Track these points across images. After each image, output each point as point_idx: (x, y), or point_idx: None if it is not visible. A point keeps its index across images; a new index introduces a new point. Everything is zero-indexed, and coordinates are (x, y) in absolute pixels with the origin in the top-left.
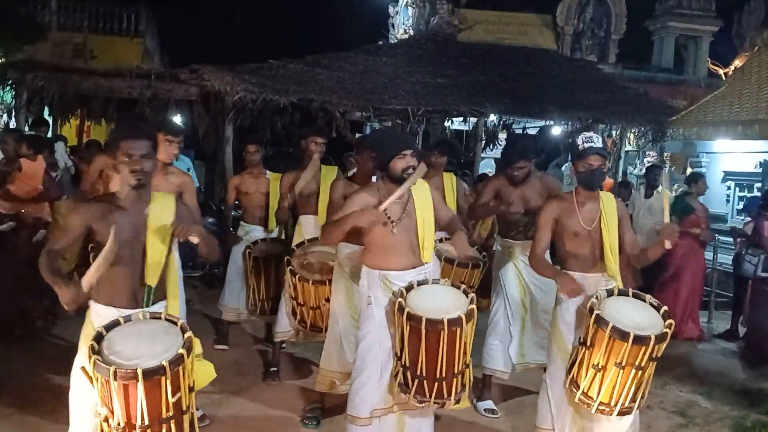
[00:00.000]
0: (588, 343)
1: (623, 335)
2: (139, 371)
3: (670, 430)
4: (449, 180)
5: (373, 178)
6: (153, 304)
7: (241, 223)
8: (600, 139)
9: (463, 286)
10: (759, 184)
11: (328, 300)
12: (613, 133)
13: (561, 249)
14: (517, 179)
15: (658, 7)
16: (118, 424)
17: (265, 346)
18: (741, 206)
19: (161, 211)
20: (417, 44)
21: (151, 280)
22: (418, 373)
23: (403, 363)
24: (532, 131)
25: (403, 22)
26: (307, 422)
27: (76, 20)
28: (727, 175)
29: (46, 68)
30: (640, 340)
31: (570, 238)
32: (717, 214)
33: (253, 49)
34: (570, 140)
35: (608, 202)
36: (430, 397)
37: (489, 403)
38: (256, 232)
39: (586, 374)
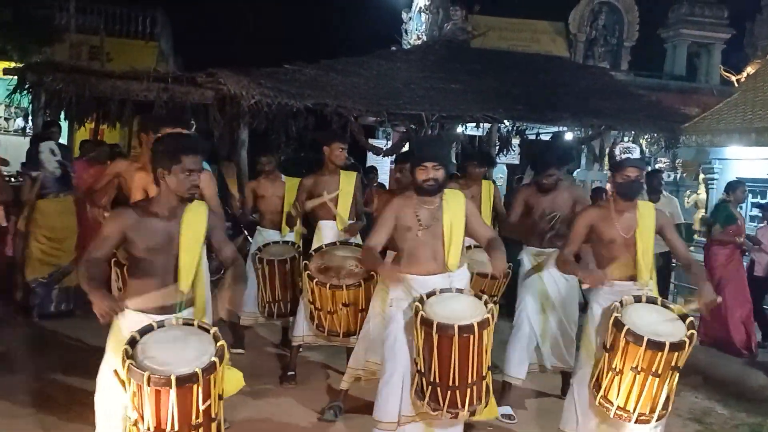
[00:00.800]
0: (608, 347)
1: (637, 339)
2: (173, 378)
3: None
4: (487, 188)
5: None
6: (185, 307)
7: (258, 228)
8: (638, 149)
9: (485, 297)
10: None
11: (345, 305)
12: (626, 139)
13: (597, 257)
14: (546, 186)
15: (670, 14)
16: (148, 429)
17: (280, 350)
18: (753, 213)
19: (194, 219)
20: (431, 50)
21: (184, 286)
22: (432, 379)
23: (418, 368)
24: (545, 137)
25: (416, 28)
26: (325, 414)
27: (93, 23)
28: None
29: (64, 70)
30: (655, 346)
31: (606, 245)
32: None
33: (266, 53)
34: (607, 149)
35: (646, 211)
36: (443, 405)
37: (507, 409)
38: (273, 236)
39: (606, 377)
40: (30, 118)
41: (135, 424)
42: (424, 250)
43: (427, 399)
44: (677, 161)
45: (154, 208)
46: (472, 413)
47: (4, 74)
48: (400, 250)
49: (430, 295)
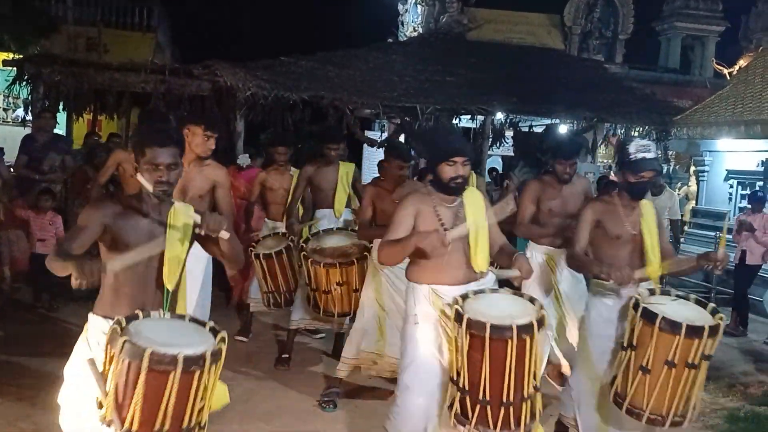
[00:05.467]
0: (633, 344)
1: (674, 326)
2: (180, 357)
3: None
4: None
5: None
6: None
7: (265, 219)
8: (653, 146)
9: (528, 294)
10: (761, 183)
11: (339, 284)
12: (619, 132)
13: (597, 254)
14: (567, 177)
15: (665, 7)
16: (129, 429)
17: (279, 337)
18: (743, 204)
19: (180, 219)
20: (426, 42)
21: (170, 282)
22: (481, 397)
23: (461, 387)
24: (538, 129)
25: (412, 20)
26: (325, 405)
27: (90, 14)
28: (730, 174)
29: (62, 62)
30: (694, 332)
31: (610, 241)
32: (719, 212)
33: (264, 46)
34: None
35: (647, 206)
36: (495, 427)
37: None
38: (280, 228)
39: (633, 380)
40: (29, 108)
41: (109, 425)
42: (450, 256)
43: (473, 422)
44: (669, 153)
45: (138, 203)
46: None
47: (3, 65)
48: (423, 254)
49: (464, 297)
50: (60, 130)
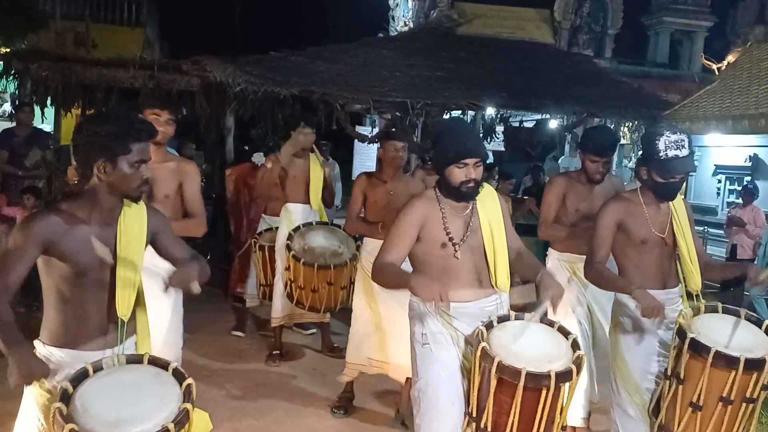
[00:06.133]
0: (680, 376)
1: (731, 362)
2: None
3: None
4: None
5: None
6: (126, 337)
7: (263, 216)
8: (688, 141)
9: (558, 323)
10: (748, 178)
11: (329, 283)
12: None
13: (620, 261)
14: (599, 177)
15: (653, 2)
16: None
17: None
18: (731, 199)
19: (134, 223)
20: (417, 37)
21: (124, 310)
22: None
23: (482, 427)
24: (528, 125)
25: (403, 15)
26: (336, 411)
27: (78, 9)
28: (718, 169)
29: (50, 58)
30: (753, 365)
31: (635, 246)
32: (708, 206)
33: (253, 40)
34: (639, 136)
35: (678, 204)
36: None
37: None
38: (275, 223)
39: (682, 416)
40: (17, 103)
41: None
42: (462, 269)
43: None
44: None
45: (84, 211)
46: None
47: None
48: (428, 268)
49: (488, 326)
50: (48, 125)
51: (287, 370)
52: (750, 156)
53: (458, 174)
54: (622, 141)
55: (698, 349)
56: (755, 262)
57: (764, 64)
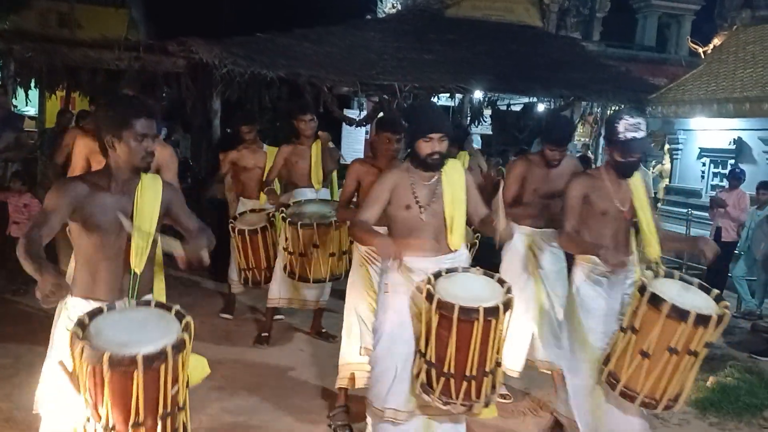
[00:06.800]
0: (635, 327)
1: (682, 315)
2: (139, 357)
3: None
4: (462, 160)
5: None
6: (139, 296)
7: (241, 198)
8: (644, 124)
9: (498, 275)
10: (733, 161)
11: (315, 246)
12: (596, 110)
13: (582, 231)
14: (556, 163)
15: None
16: (107, 424)
17: (258, 316)
18: (715, 182)
19: (149, 194)
20: (405, 19)
21: (137, 263)
22: (445, 370)
23: (427, 359)
24: (516, 108)
25: None
26: (339, 430)
27: None
28: (703, 152)
29: (34, 39)
30: (701, 321)
31: (596, 217)
32: (692, 189)
33: (240, 22)
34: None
35: (636, 182)
36: (457, 397)
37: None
38: (256, 206)
39: (631, 363)
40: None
41: (88, 420)
42: (424, 230)
43: (437, 393)
44: None
45: (105, 181)
46: (487, 404)
47: None
48: (396, 227)
49: (437, 276)
50: (33, 107)
51: (275, 352)
52: (734, 139)
53: (425, 147)
54: None
55: (656, 302)
56: (738, 244)
57: (750, 47)
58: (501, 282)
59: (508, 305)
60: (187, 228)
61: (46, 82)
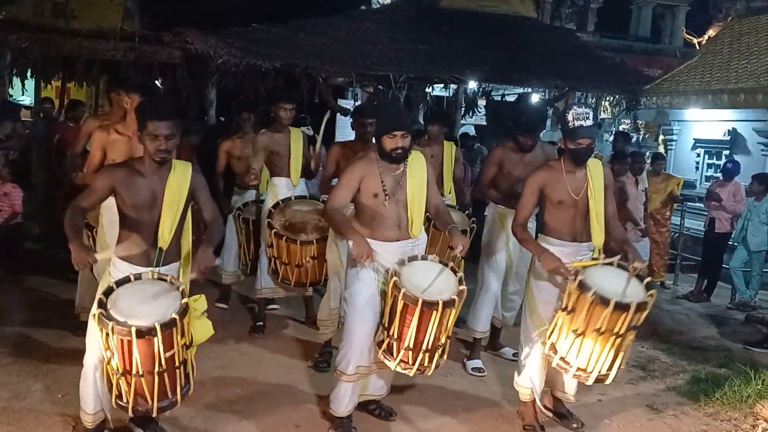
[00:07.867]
0: (569, 309)
1: (604, 301)
2: (132, 330)
3: (630, 381)
4: (449, 149)
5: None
6: (164, 265)
7: (235, 188)
8: (591, 114)
9: (451, 264)
10: (727, 152)
11: (313, 257)
12: (590, 101)
13: (544, 217)
14: (529, 147)
15: None
16: (117, 369)
17: (253, 305)
18: (709, 173)
19: (178, 180)
20: (399, 10)
21: (162, 242)
22: (405, 345)
23: (390, 334)
24: (511, 98)
25: None
26: (321, 365)
27: None
28: (697, 143)
29: (30, 29)
30: (621, 307)
31: (554, 205)
32: (686, 180)
33: (235, 13)
34: (561, 111)
35: (596, 170)
36: (413, 364)
37: (478, 362)
38: (250, 196)
39: (566, 339)
40: None
41: (108, 362)
42: (388, 216)
43: (398, 360)
44: (639, 122)
45: (141, 167)
46: (437, 366)
47: None
48: (363, 213)
49: (400, 264)
50: (29, 97)
51: (270, 341)
52: (729, 130)
53: (389, 143)
54: (603, 115)
55: (584, 289)
56: (733, 235)
57: (745, 38)
58: (454, 271)
59: (461, 296)
60: (204, 215)
61: (41, 72)
